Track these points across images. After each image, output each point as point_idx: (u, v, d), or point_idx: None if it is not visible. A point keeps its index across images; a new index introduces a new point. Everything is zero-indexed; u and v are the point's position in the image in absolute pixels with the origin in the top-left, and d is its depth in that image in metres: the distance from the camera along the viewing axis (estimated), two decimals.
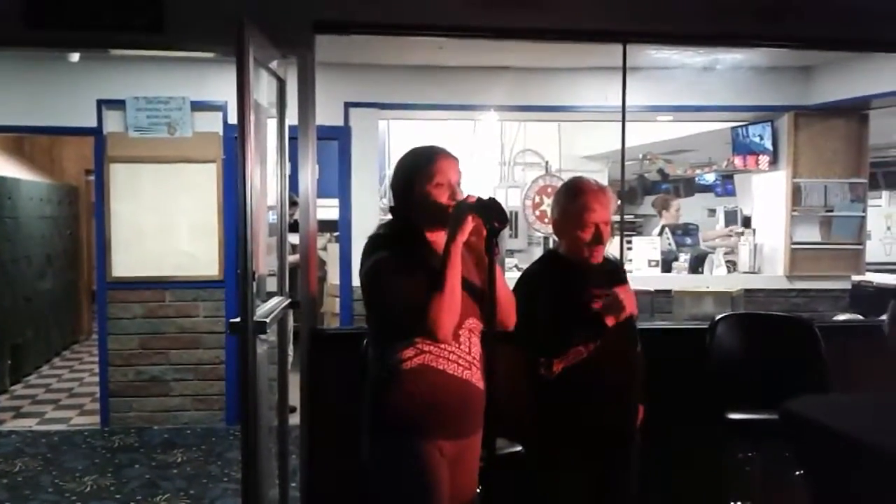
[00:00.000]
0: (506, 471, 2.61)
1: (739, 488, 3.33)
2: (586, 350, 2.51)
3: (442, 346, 2.15)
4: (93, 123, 5.49)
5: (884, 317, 4.30)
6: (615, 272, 2.81)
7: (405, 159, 2.30)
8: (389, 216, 2.36)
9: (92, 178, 7.13)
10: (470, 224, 2.06)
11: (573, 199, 2.63)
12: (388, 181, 7.94)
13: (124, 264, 5.54)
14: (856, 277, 6.44)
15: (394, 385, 2.18)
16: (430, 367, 2.17)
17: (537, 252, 7.31)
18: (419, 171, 2.22)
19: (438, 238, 2.24)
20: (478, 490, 2.31)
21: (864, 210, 6.28)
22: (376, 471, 2.24)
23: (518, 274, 2.87)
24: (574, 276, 2.62)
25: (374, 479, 2.25)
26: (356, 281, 5.71)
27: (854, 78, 5.52)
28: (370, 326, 2.31)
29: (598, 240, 2.60)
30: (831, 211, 6.16)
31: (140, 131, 5.48)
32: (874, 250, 7.26)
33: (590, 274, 2.63)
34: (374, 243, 2.24)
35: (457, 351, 2.19)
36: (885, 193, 9.76)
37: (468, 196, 2.13)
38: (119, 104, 5.48)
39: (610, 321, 2.50)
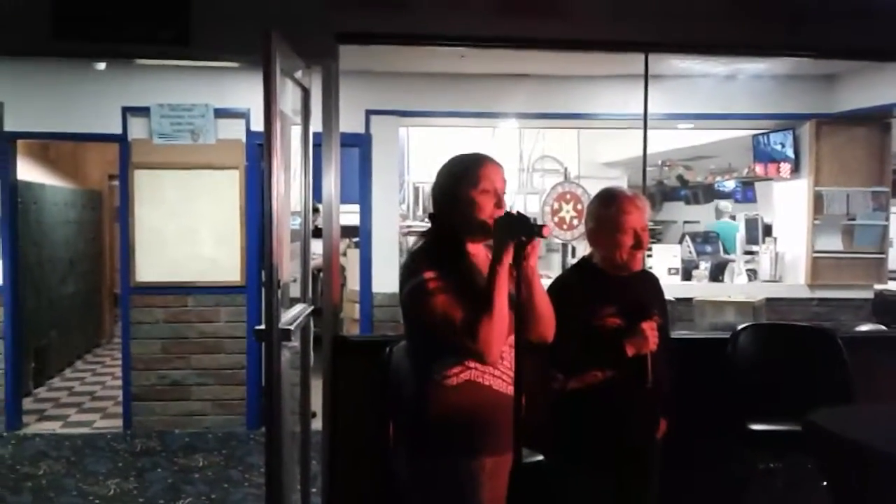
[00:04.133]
0: (527, 480, 2.61)
1: (762, 500, 3.31)
2: (603, 375, 2.51)
3: None
4: (118, 130, 5.57)
5: None
6: (653, 286, 2.80)
7: (450, 165, 2.23)
8: (425, 222, 2.32)
9: (115, 183, 7.22)
10: (512, 247, 2.00)
11: (609, 205, 2.61)
12: (407, 187, 8.00)
13: (147, 269, 5.61)
14: (878, 286, 6.39)
15: (438, 399, 2.13)
16: (477, 382, 2.12)
17: (555, 258, 7.32)
18: (464, 178, 2.15)
19: (478, 250, 2.21)
20: None
21: (887, 218, 6.23)
22: (416, 488, 2.19)
23: (545, 282, 2.87)
24: (605, 289, 2.60)
25: (414, 495, 2.19)
26: (376, 287, 5.81)
27: (877, 86, 5.49)
28: (410, 342, 2.25)
29: (639, 244, 2.58)
30: (853, 219, 6.12)
31: (164, 138, 5.55)
32: None
33: (623, 287, 2.61)
34: (414, 260, 2.16)
35: (500, 367, 2.14)
36: None
37: (511, 212, 2.08)
38: (143, 111, 5.55)
39: (630, 351, 2.49)
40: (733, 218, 8.71)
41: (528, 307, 2.06)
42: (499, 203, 2.15)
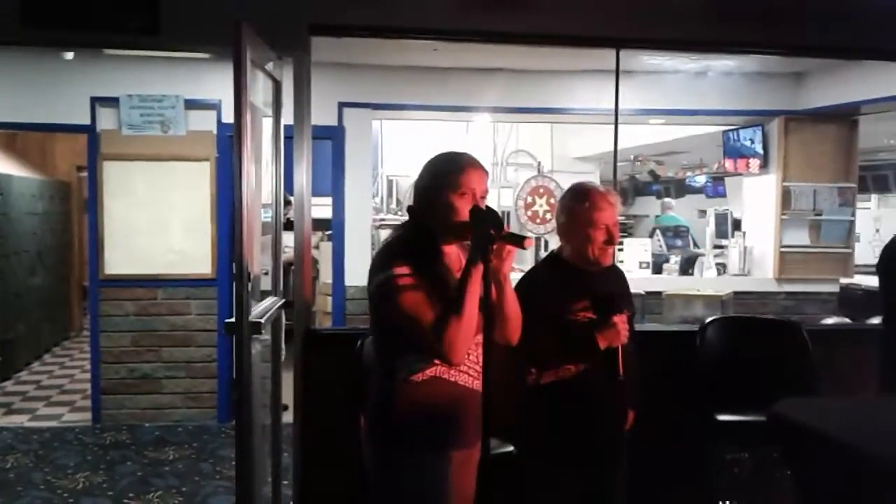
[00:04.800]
0: (498, 471, 2.63)
1: (728, 489, 3.37)
2: (576, 368, 2.54)
3: None
4: (86, 121, 5.49)
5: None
6: (620, 280, 2.83)
7: (433, 163, 2.22)
8: (400, 214, 2.32)
9: (84, 174, 7.12)
10: (495, 247, 2.01)
11: (581, 200, 2.62)
12: (381, 180, 7.99)
13: (117, 262, 5.54)
14: (844, 280, 6.50)
15: (404, 395, 2.13)
16: (443, 378, 2.13)
17: (528, 253, 7.35)
18: (445, 179, 2.14)
19: (451, 250, 2.21)
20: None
21: (853, 214, 6.34)
22: (384, 481, 2.19)
23: (515, 276, 2.88)
24: (576, 283, 2.62)
25: (380, 490, 2.20)
26: (349, 280, 5.80)
27: (844, 84, 5.58)
28: (376, 336, 2.25)
29: (610, 240, 2.60)
30: (820, 215, 6.22)
31: (133, 129, 5.48)
32: (863, 253, 7.32)
33: (593, 281, 2.63)
34: (387, 253, 2.16)
35: (467, 362, 2.15)
36: (874, 196, 9.84)
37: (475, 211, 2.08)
38: (113, 102, 5.47)
39: (603, 345, 2.51)
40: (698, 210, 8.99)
41: (497, 310, 2.06)
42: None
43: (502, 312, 2.15)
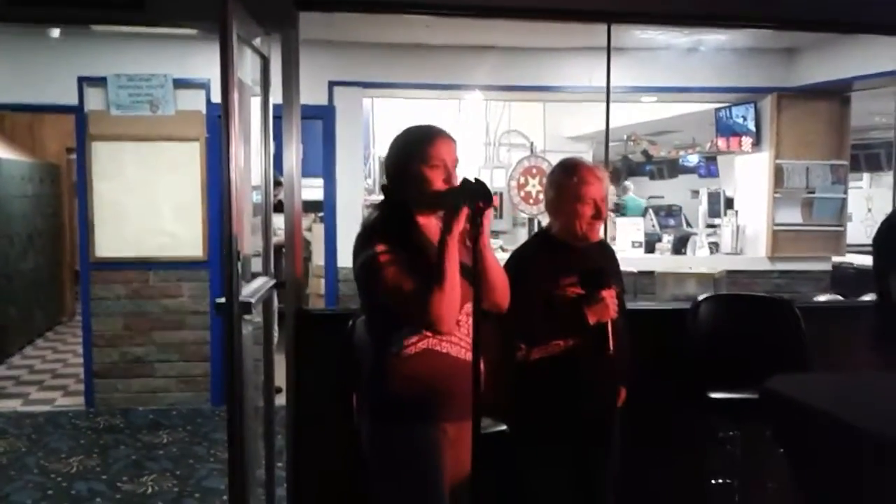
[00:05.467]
0: (492, 450, 2.63)
1: (721, 467, 3.37)
2: (565, 344, 2.54)
3: None
4: (74, 101, 5.43)
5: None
6: (609, 255, 2.83)
7: (401, 138, 2.23)
8: (380, 195, 2.32)
9: (73, 156, 7.06)
10: (464, 215, 2.02)
11: (570, 175, 2.62)
12: (372, 160, 7.94)
13: (107, 244, 5.50)
14: (836, 259, 6.52)
15: (397, 370, 2.16)
16: (434, 350, 2.15)
17: (522, 233, 7.34)
18: (415, 152, 2.16)
19: (429, 221, 2.22)
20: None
21: (845, 192, 6.34)
22: (378, 456, 2.22)
23: (503, 255, 2.87)
24: (564, 259, 2.61)
25: (376, 464, 2.23)
26: (341, 262, 5.78)
27: (836, 60, 5.56)
28: (366, 314, 2.28)
29: (598, 214, 2.60)
30: (813, 192, 6.22)
31: (122, 109, 5.42)
32: (855, 232, 7.34)
33: (581, 256, 2.62)
34: (366, 233, 2.18)
35: (458, 334, 2.18)
36: (865, 175, 9.86)
37: (454, 186, 2.11)
38: (100, 81, 5.41)
39: (592, 319, 2.51)
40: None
41: (481, 277, 2.07)
42: (448, 178, 2.16)
43: (487, 278, 2.16)
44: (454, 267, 2.06)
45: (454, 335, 2.17)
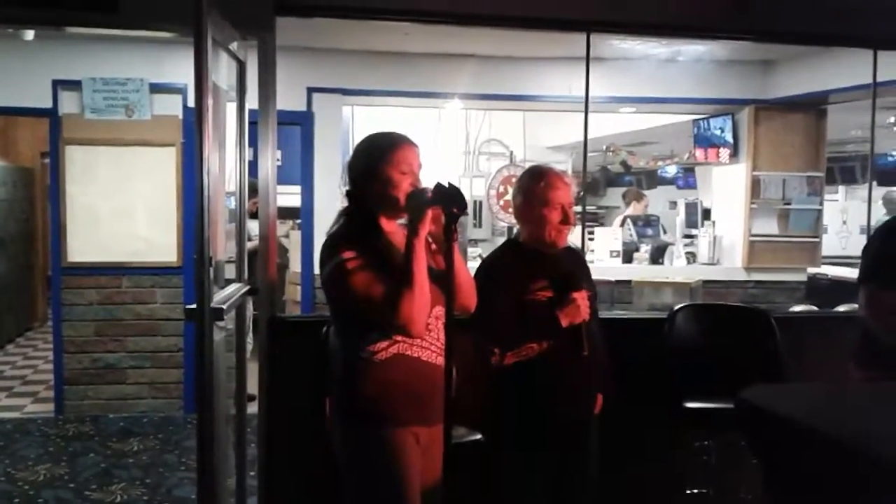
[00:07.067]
0: (467, 459, 2.60)
1: (696, 476, 3.37)
2: (539, 347, 2.53)
3: None
4: (48, 104, 5.36)
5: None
6: (578, 260, 2.84)
7: (365, 144, 2.27)
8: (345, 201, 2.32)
9: (47, 160, 6.96)
10: (430, 217, 2.05)
11: (537, 180, 2.65)
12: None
13: (80, 249, 5.42)
14: (812, 270, 6.57)
15: (368, 375, 2.16)
16: (405, 355, 2.16)
17: (501, 242, 7.33)
18: (380, 158, 2.18)
19: (394, 227, 2.24)
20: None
21: (821, 203, 6.40)
22: (350, 461, 2.22)
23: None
24: (534, 264, 2.62)
25: (348, 469, 2.23)
26: (318, 269, 5.71)
27: (813, 73, 5.62)
28: (336, 322, 2.29)
29: (566, 219, 2.61)
30: (789, 204, 6.27)
31: (97, 113, 5.35)
32: (830, 244, 7.40)
33: (551, 262, 2.63)
34: (332, 241, 2.19)
35: (428, 338, 2.19)
36: (841, 188, 9.95)
37: (424, 188, 2.11)
38: (75, 85, 5.34)
39: (564, 322, 2.51)
40: None
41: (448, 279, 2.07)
42: (414, 183, 2.18)
43: (454, 280, 2.14)
44: (422, 269, 2.08)
45: (424, 339, 2.18)
